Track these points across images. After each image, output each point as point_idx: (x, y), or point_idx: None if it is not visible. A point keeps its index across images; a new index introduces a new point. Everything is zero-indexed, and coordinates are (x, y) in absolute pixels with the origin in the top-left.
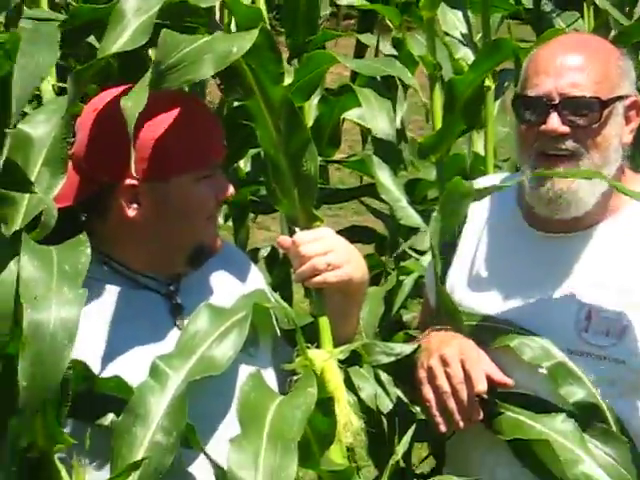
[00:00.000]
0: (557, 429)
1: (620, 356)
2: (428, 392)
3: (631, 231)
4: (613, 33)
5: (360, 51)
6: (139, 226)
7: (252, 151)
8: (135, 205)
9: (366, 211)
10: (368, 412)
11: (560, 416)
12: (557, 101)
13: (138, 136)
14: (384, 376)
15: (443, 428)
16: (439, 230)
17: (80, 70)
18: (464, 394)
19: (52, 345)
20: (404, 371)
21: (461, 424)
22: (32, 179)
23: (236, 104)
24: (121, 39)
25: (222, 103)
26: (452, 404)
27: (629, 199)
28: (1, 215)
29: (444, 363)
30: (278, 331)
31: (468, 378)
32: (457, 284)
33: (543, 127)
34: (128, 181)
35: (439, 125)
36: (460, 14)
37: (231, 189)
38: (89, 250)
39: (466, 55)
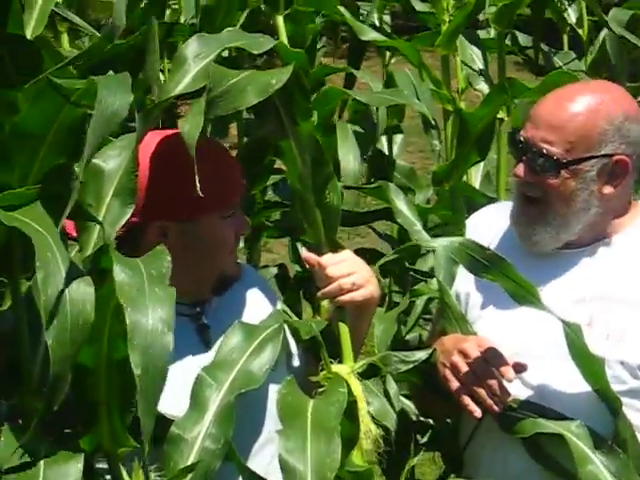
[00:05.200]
0: (571, 430)
1: (619, 358)
2: (456, 385)
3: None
4: None
5: (350, 85)
6: None
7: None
8: (163, 240)
9: (366, 233)
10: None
11: (576, 421)
12: (529, 150)
13: (171, 180)
14: (392, 391)
15: (478, 414)
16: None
17: (148, 110)
18: (491, 380)
19: (153, 337)
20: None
21: (495, 407)
22: (104, 209)
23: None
24: (182, 83)
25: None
26: (481, 391)
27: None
28: (80, 241)
29: (465, 356)
30: (293, 346)
31: (491, 366)
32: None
33: (513, 170)
34: (159, 222)
35: (453, 155)
36: (479, 52)
37: (248, 225)
38: (169, 257)
39: (483, 88)
